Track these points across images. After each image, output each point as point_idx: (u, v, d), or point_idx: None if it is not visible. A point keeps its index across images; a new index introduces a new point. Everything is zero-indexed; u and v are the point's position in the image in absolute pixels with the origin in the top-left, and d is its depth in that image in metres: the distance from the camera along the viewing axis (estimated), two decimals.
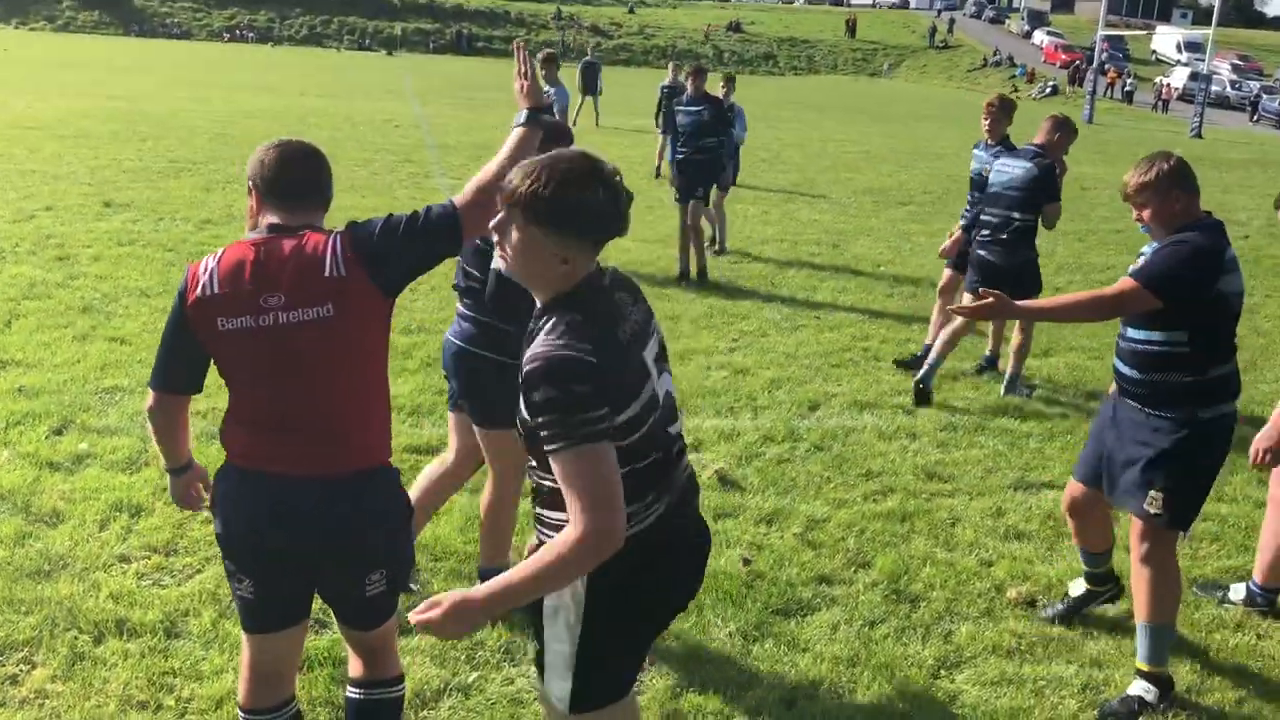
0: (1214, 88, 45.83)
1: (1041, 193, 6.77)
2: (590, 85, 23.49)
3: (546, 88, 10.22)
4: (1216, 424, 3.81)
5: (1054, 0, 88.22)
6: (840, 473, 5.71)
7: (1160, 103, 49.02)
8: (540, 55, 11.76)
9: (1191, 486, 3.82)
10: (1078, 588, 4.45)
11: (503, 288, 3.80)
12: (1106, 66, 52.93)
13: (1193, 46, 58.16)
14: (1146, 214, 3.79)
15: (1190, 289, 3.65)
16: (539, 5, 74.88)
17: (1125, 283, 3.70)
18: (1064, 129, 7.00)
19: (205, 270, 2.63)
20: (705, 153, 9.91)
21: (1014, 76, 58.52)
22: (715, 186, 10.47)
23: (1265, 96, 48.16)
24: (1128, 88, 52.47)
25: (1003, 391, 7.10)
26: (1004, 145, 7.50)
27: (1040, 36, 67.80)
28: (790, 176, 17.99)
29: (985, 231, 6.94)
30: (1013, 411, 6.80)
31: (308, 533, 2.65)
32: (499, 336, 3.86)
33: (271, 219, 2.68)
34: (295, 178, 2.73)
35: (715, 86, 11.27)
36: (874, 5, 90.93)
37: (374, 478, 2.75)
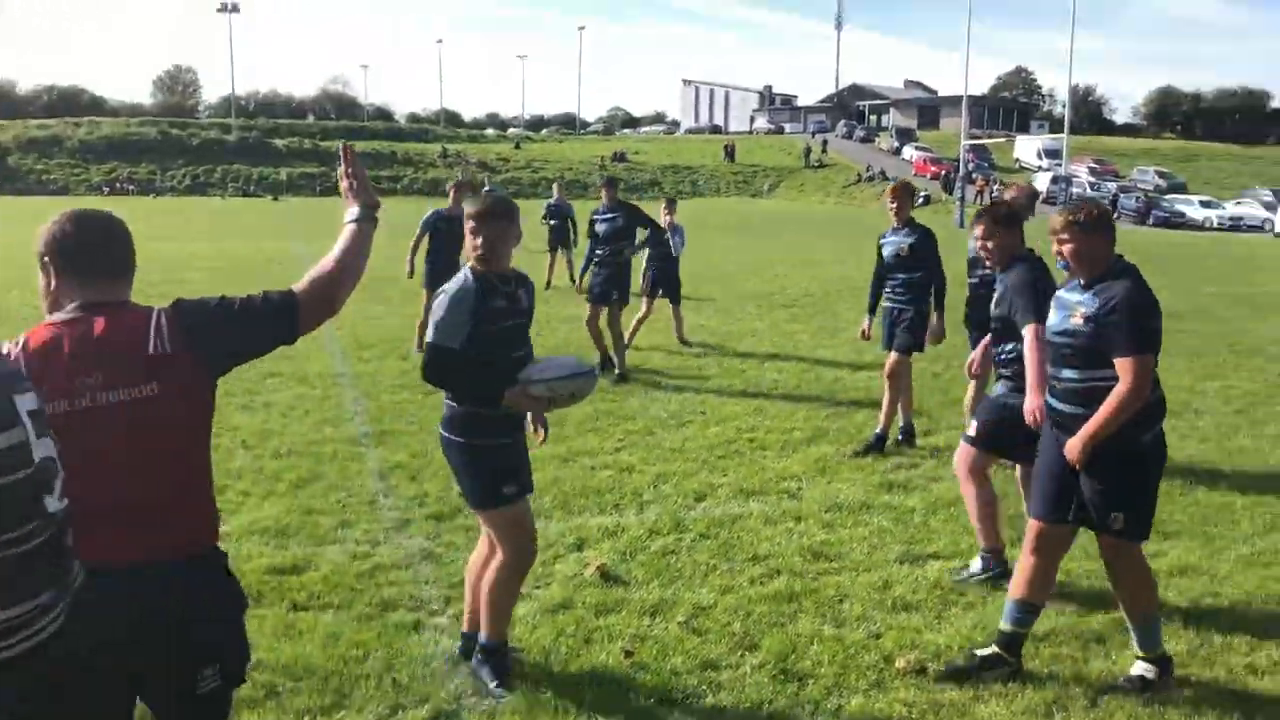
0: (1074, 189, 48.53)
1: None
2: (561, 238, 24.08)
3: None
4: (1154, 444, 4.20)
5: (920, 118, 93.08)
6: (726, 559, 5.58)
7: None
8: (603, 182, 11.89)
9: (1145, 501, 4.20)
10: (985, 650, 4.41)
11: (437, 358, 3.97)
12: (974, 175, 55.68)
13: (1052, 153, 61.73)
14: (1068, 249, 4.13)
15: (1158, 335, 4.08)
16: (425, 145, 76.02)
17: (1131, 364, 3.97)
18: (1032, 198, 8.09)
19: (9, 356, 2.42)
20: (621, 257, 10.46)
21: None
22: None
23: (1123, 195, 51.16)
24: (995, 194, 55.06)
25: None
26: (910, 226, 7.80)
27: (910, 151, 71.09)
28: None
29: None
30: (897, 489, 6.79)
31: (148, 626, 2.43)
32: (456, 416, 4.08)
33: (75, 297, 2.52)
34: (100, 250, 2.57)
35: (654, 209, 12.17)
36: (751, 133, 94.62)
37: (203, 563, 2.60)
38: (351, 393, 9.44)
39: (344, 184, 3.00)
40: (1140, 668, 4.26)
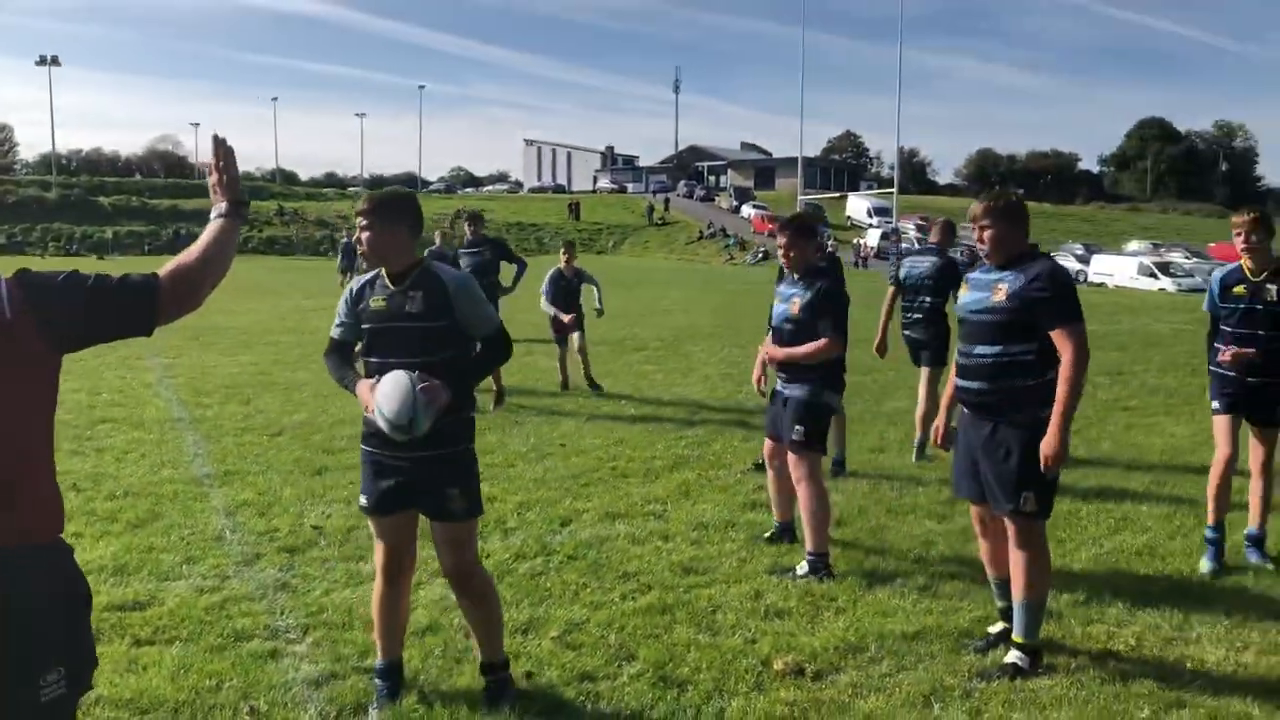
0: (904, 244, 50.75)
1: (948, 281, 8.20)
2: (351, 263, 27.04)
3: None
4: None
5: (756, 178, 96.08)
6: (596, 578, 5.47)
7: (860, 259, 53.57)
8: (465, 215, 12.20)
9: (1052, 479, 4.29)
10: (996, 626, 4.67)
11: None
12: None
13: (881, 211, 64.74)
14: (988, 235, 4.30)
15: (1081, 305, 4.23)
16: (261, 202, 73.92)
17: (1069, 331, 4.15)
18: (951, 229, 8.96)
19: None
20: (488, 290, 10.21)
21: (728, 245, 62.55)
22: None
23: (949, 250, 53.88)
24: (830, 249, 57.09)
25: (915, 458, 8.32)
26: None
27: (748, 210, 73.22)
28: (528, 332, 18.08)
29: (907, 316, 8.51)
30: (760, 508, 6.82)
31: None
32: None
33: None
34: None
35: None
36: (594, 191, 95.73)
37: (47, 552, 2.37)
38: (192, 436, 8.95)
39: (213, 178, 2.85)
40: (1014, 656, 4.35)
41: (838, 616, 4.98)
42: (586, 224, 74.73)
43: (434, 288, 3.83)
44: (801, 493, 5.63)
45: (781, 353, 5.68)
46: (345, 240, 29.58)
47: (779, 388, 5.83)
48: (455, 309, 3.82)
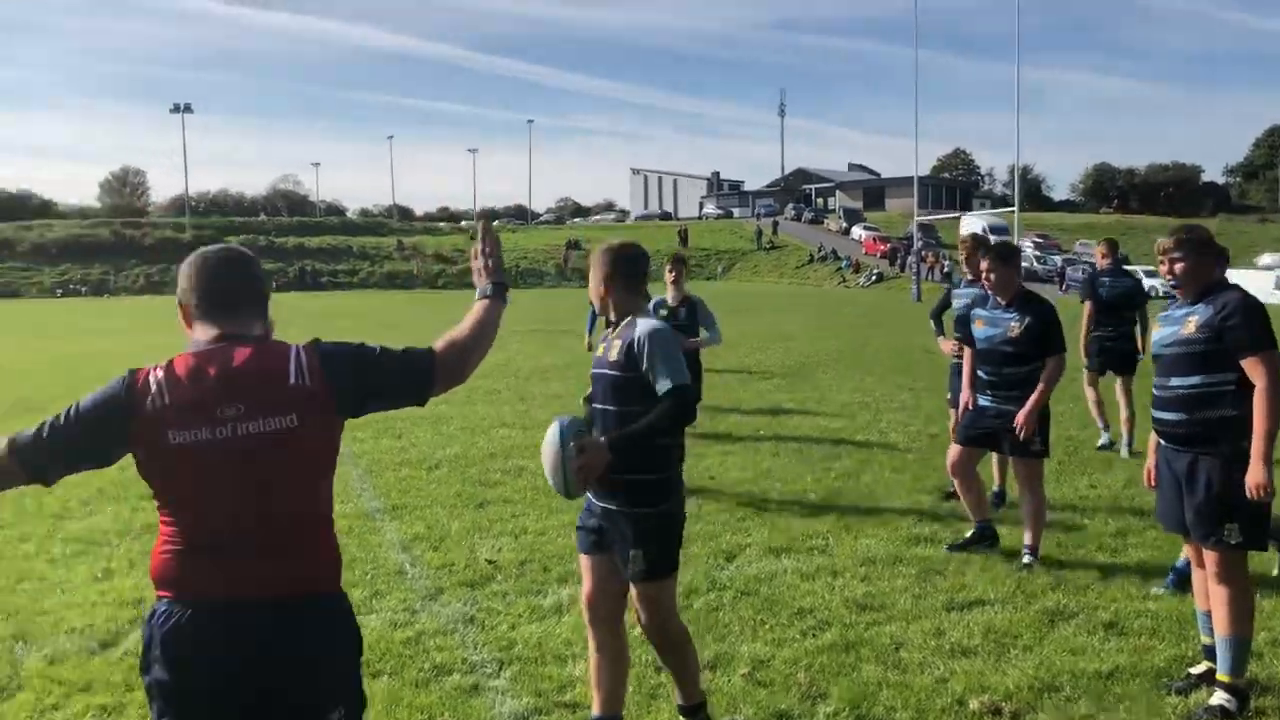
0: (1023, 264, 49.59)
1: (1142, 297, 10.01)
2: None
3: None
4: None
5: (866, 199, 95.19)
6: (772, 614, 5.51)
7: None
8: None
9: (1258, 509, 4.20)
10: (1199, 667, 4.59)
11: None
12: (924, 253, 56.81)
13: (997, 229, 63.16)
14: (1179, 268, 4.33)
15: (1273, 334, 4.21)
16: (380, 238, 76.15)
17: (1262, 359, 4.13)
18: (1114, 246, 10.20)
19: (155, 382, 2.41)
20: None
21: (841, 268, 62.03)
22: None
23: (1069, 268, 52.40)
24: (946, 269, 56.16)
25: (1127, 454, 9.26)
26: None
27: (858, 231, 72.53)
28: None
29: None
30: (925, 543, 6.78)
31: (276, 664, 2.39)
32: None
33: (212, 330, 2.52)
34: (229, 284, 2.58)
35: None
36: (701, 218, 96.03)
37: (333, 603, 2.56)
38: (355, 470, 9.30)
39: (478, 262, 2.95)
40: (1220, 697, 4.27)
41: (1026, 654, 4.93)
42: (694, 250, 74.92)
43: (630, 336, 3.84)
44: (1033, 495, 6.29)
45: (1033, 404, 6.15)
46: None
47: (987, 402, 6.36)
48: (643, 360, 3.77)
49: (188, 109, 75.33)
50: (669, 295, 8.96)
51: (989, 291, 6.42)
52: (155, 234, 70.77)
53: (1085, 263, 55.62)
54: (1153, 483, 4.69)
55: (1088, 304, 9.87)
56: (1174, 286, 4.43)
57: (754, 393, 14.46)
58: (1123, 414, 9.74)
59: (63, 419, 2.43)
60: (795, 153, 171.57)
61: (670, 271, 9.03)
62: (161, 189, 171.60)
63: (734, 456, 9.77)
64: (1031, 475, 6.32)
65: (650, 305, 6.45)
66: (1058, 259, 56.78)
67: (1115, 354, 9.86)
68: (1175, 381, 4.33)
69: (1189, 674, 4.60)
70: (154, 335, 26.92)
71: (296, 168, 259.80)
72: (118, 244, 67.62)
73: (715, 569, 6.30)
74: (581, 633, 4.46)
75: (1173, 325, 4.41)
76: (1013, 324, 6.22)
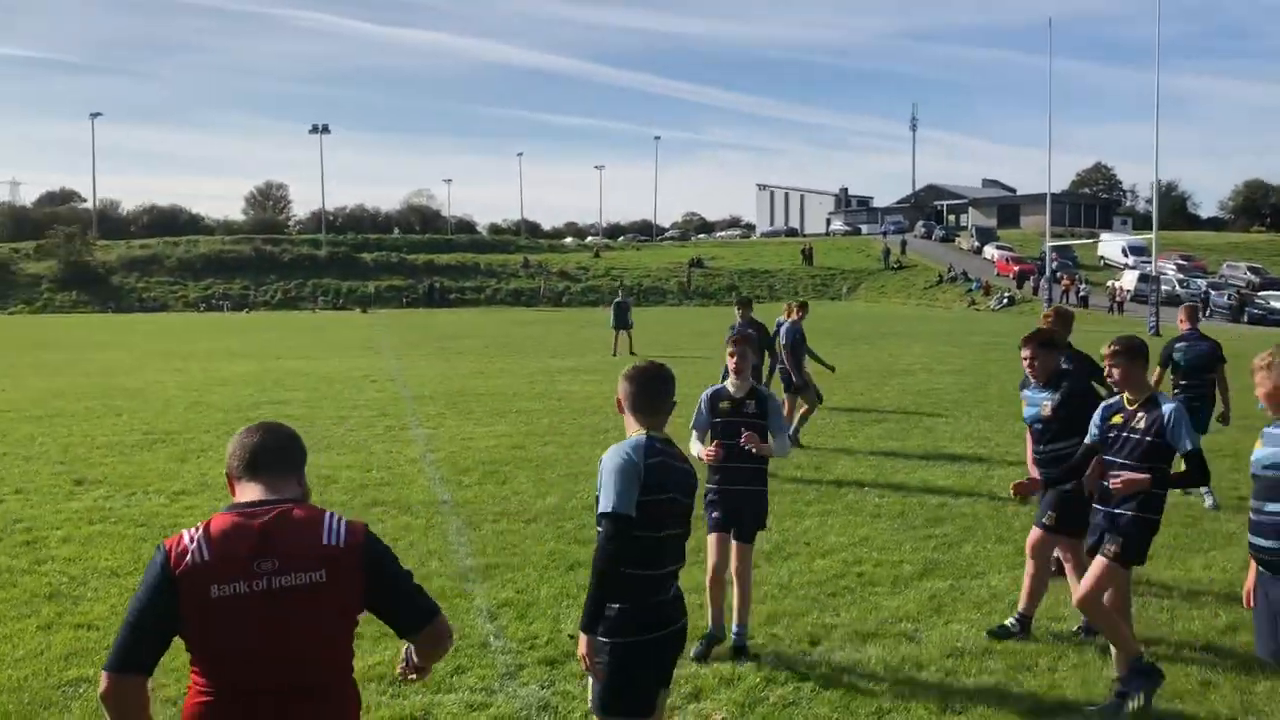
0: (1164, 287, 47.53)
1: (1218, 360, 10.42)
2: (622, 321, 29.13)
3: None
4: None
5: (1000, 216, 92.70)
6: (849, 713, 5.40)
7: (1115, 305, 50.66)
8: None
9: None
10: None
11: None
12: (1059, 274, 54.98)
13: (1137, 250, 60.84)
14: (1269, 387, 4.18)
15: None
16: (506, 255, 77.72)
17: None
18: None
19: (193, 540, 2.63)
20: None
21: (970, 290, 60.58)
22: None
23: (1214, 292, 50.02)
24: (1081, 292, 54.27)
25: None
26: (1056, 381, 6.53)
27: (990, 251, 70.66)
28: None
29: None
30: (1017, 635, 6.56)
31: None
32: None
33: (250, 494, 2.78)
34: (268, 452, 2.85)
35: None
36: (828, 235, 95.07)
37: None
38: (455, 523, 9.49)
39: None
40: None
41: None
42: (819, 269, 74.30)
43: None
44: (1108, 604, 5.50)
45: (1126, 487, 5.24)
46: (619, 300, 31.05)
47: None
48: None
49: (325, 129, 78.38)
50: (731, 383, 6.58)
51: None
52: (293, 251, 73.75)
53: (1233, 286, 53.07)
54: (1252, 603, 4.44)
55: (1157, 370, 10.27)
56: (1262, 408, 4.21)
57: (864, 439, 14.23)
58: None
59: (132, 625, 2.62)
60: (927, 167, 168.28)
61: (732, 353, 6.60)
62: (303, 203, 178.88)
63: (835, 519, 9.62)
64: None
65: (707, 395, 6.41)
66: (1201, 282, 54.20)
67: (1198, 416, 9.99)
68: (1272, 507, 4.10)
69: None
70: (285, 360, 28.02)
71: (429, 182, 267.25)
72: (258, 260, 70.79)
73: (798, 656, 6.21)
74: None
75: (1274, 445, 4.16)
76: (1046, 402, 6.54)
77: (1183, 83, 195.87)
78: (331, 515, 2.76)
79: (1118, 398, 5.51)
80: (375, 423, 15.85)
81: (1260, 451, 4.23)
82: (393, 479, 11.51)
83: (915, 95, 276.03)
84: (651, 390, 3.87)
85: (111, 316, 57.89)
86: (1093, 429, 5.55)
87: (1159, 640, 6.34)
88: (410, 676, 3.02)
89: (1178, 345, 10.49)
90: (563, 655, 6.21)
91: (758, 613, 6.93)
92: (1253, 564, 4.41)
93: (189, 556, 2.59)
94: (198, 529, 2.66)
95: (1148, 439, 5.19)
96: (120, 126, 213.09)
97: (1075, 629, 6.54)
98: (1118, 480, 5.17)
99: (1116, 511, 5.33)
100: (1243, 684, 5.67)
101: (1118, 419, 5.37)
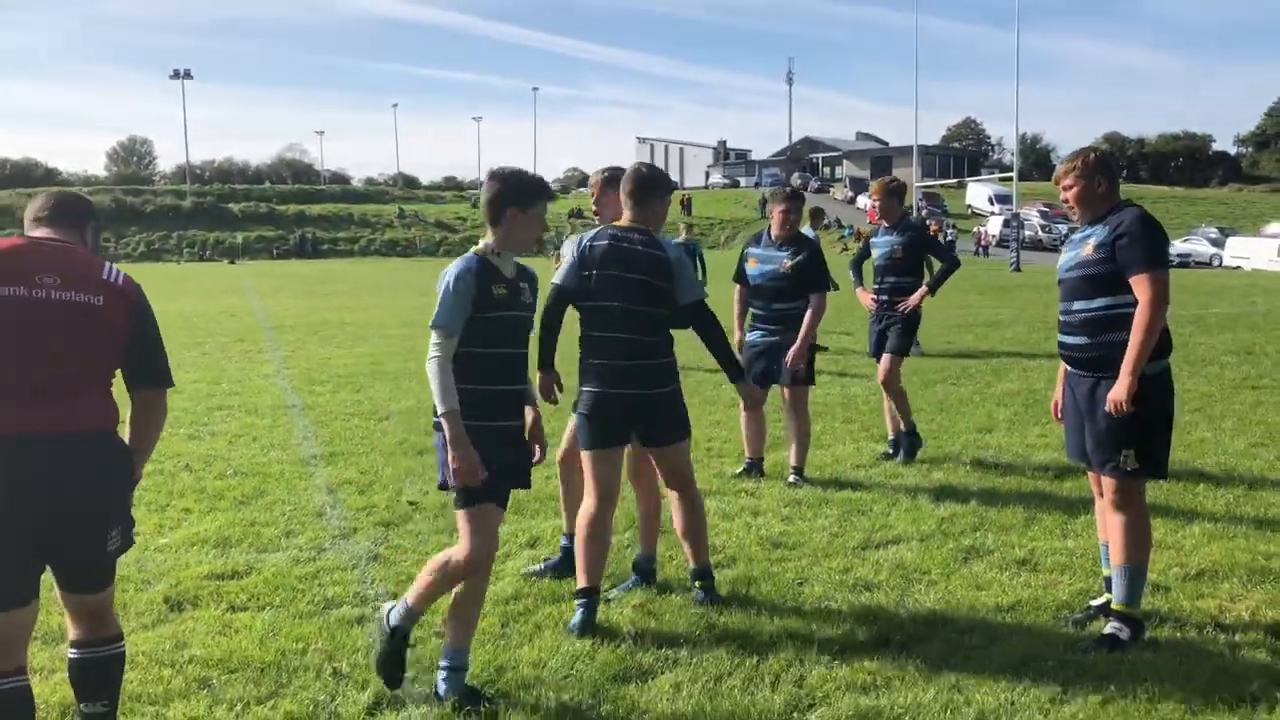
0: (1027, 232, 49.25)
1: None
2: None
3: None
4: (1164, 376, 4.20)
5: (873, 168, 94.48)
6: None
7: (981, 248, 52.28)
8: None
9: (1157, 437, 4.17)
10: (1098, 599, 4.53)
11: None
12: (928, 220, 56.43)
13: (1003, 199, 62.84)
14: (1072, 195, 4.25)
15: (1168, 256, 4.14)
16: (381, 206, 76.01)
17: (1148, 278, 4.02)
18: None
19: None
20: None
21: (844, 236, 61.79)
22: None
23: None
24: (949, 237, 55.77)
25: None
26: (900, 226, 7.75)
27: (863, 200, 71.98)
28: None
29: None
30: (853, 485, 6.69)
31: (64, 489, 2.90)
32: None
33: (36, 234, 3.20)
34: (53, 206, 3.30)
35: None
36: (707, 187, 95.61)
37: (111, 438, 3.11)
38: (302, 421, 9.23)
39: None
40: (1113, 626, 4.19)
41: (929, 589, 4.85)
42: (698, 219, 74.63)
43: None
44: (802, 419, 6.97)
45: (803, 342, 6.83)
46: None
47: (761, 337, 7.04)
48: None
49: (187, 75, 75.09)
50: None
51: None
52: (156, 201, 70.74)
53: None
54: (1059, 415, 4.58)
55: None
56: (1071, 213, 4.35)
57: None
58: None
59: None
60: (805, 124, 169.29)
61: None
62: (169, 158, 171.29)
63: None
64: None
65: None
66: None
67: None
68: (1078, 306, 4.24)
69: (1089, 606, 4.51)
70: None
71: (302, 136, 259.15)
72: (119, 211, 67.45)
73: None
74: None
75: (1073, 249, 4.31)
76: (784, 260, 6.95)
77: (1049, 43, 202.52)
78: (112, 264, 3.16)
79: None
80: (230, 348, 15.34)
81: (1063, 257, 4.38)
82: (243, 389, 11.14)
83: (792, 53, 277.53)
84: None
85: None
86: None
87: (996, 488, 6.55)
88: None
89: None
90: (400, 519, 6.10)
91: None
92: (1060, 373, 4.53)
93: None
94: None
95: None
96: None
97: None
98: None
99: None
100: (1057, 521, 5.88)
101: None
